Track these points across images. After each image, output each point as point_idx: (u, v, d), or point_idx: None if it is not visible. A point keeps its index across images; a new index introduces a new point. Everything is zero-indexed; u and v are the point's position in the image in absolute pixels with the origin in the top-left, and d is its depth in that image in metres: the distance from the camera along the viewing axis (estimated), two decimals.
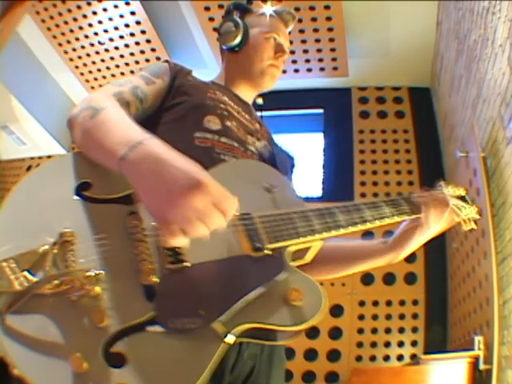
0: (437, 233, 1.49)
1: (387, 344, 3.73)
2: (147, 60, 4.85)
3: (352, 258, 1.57)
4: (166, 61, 1.66)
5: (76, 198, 1.11)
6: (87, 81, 5.28)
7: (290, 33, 1.90)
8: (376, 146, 4.56)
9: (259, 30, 1.80)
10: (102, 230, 1.07)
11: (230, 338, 1.00)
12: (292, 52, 4.38)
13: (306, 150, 4.89)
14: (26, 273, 0.95)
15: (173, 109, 1.55)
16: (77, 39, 4.80)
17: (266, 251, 1.17)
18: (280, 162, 1.65)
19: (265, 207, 1.29)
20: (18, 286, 0.93)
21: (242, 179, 1.35)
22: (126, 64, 4.97)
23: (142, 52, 4.79)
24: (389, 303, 3.85)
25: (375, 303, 3.84)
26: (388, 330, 3.77)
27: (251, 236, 1.18)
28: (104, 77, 5.18)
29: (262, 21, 1.83)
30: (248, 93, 1.84)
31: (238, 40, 1.77)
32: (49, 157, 5.74)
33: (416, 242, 1.49)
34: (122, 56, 4.89)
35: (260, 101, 1.93)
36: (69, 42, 4.84)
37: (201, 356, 0.96)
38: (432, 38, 4.18)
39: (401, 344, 3.72)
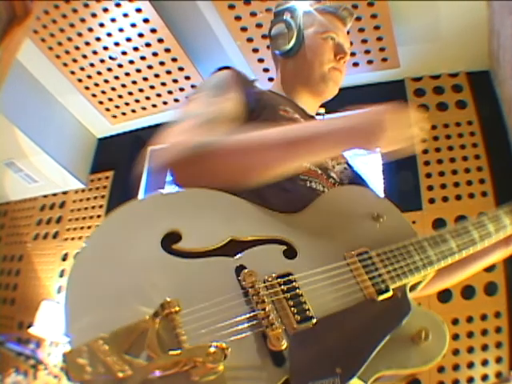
0: None
1: (470, 365, 3.78)
2: (168, 72, 4.92)
3: (469, 259, 1.60)
4: (227, 67, 1.68)
5: (166, 253, 1.10)
6: (101, 102, 5.40)
7: (348, 32, 1.93)
8: (440, 143, 4.59)
9: (315, 29, 1.84)
10: (211, 293, 1.07)
11: None
12: None
13: (362, 157, 4.83)
14: (125, 356, 0.91)
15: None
16: (84, 57, 4.89)
17: (390, 293, 1.24)
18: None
19: (378, 240, 1.37)
20: (120, 373, 0.89)
21: (348, 211, 1.44)
22: (144, 79, 5.04)
23: (162, 63, 4.84)
24: (470, 319, 3.90)
25: (455, 321, 3.90)
26: (470, 350, 3.81)
27: (373, 278, 1.25)
28: (120, 96, 5.29)
29: (317, 20, 1.86)
30: (311, 103, 1.89)
31: (292, 43, 1.83)
32: (64, 193, 5.93)
33: None
34: (138, 70, 4.95)
35: (322, 111, 2.00)
36: (75, 60, 4.94)
37: None
38: (485, 14, 4.17)
39: (485, 363, 3.75)
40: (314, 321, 1.10)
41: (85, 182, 5.82)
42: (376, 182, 4.51)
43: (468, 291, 3.98)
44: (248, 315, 1.06)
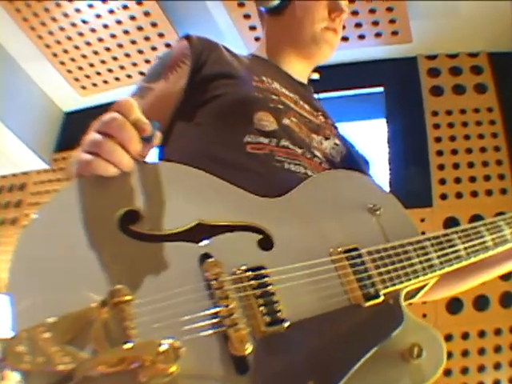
0: None
1: None
2: (146, 38, 4.85)
3: (477, 267, 1.55)
4: (187, 37, 1.62)
5: (122, 235, 1.06)
6: (69, 71, 5.30)
7: None
8: (455, 131, 4.49)
9: None
10: (169, 283, 1.03)
11: None
12: None
13: (365, 142, 4.84)
14: (67, 347, 0.87)
15: (208, 105, 1.54)
16: (53, 19, 4.80)
17: (380, 298, 1.21)
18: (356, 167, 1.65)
19: (372, 236, 1.33)
20: (61, 366, 0.84)
21: (339, 200, 1.39)
22: (119, 46, 4.97)
23: (140, 29, 4.78)
24: (482, 334, 3.83)
25: (465, 336, 3.83)
26: (481, 368, 3.75)
27: (361, 280, 1.22)
28: (91, 64, 5.19)
29: None
30: (300, 67, 1.85)
31: None
32: (25, 174, 5.81)
33: None
34: (113, 36, 4.88)
35: (316, 76, 1.94)
36: (44, 24, 4.86)
37: None
38: None
39: (497, 383, 3.70)
40: (287, 324, 1.07)
41: (48, 162, 5.69)
42: (380, 169, 4.48)
43: (481, 302, 3.91)
44: (209, 312, 1.02)
